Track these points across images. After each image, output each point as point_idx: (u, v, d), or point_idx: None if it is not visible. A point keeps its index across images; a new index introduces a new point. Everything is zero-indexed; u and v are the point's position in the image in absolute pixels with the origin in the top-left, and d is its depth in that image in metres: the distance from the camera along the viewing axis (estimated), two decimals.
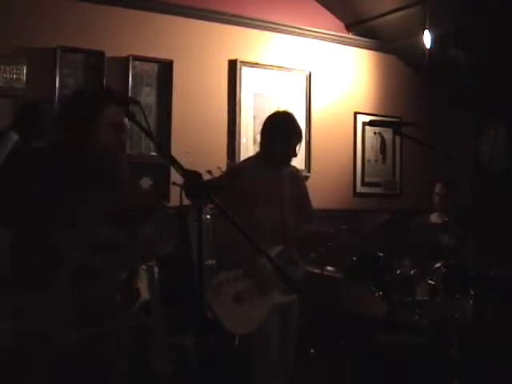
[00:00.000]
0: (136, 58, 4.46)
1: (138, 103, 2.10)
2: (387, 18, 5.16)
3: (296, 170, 3.45)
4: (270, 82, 5.04)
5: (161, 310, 2.19)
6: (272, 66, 5.05)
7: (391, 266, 3.70)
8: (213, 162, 4.32)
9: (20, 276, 1.91)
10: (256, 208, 3.13)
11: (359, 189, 5.54)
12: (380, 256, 3.74)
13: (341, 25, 5.50)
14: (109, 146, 2.10)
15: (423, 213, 4.76)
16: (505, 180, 5.23)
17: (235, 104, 4.85)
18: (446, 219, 4.45)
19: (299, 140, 3.24)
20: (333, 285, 3.90)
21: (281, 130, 3.20)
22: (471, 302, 3.53)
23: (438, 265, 3.68)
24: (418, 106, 5.78)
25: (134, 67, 4.45)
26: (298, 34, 5.20)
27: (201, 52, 4.74)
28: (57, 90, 4.13)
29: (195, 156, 4.25)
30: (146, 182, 4.20)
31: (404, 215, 4.56)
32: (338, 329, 3.74)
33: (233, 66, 4.87)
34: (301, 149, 3.31)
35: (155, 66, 4.56)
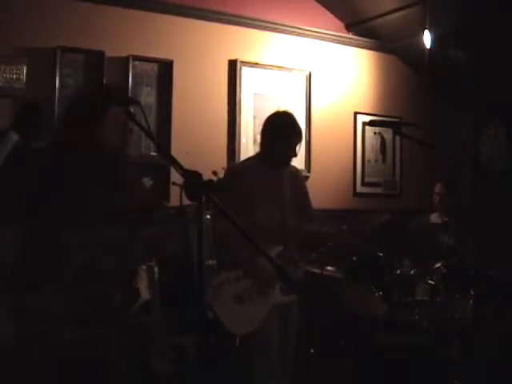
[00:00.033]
0: (136, 58, 4.46)
1: (138, 103, 2.10)
2: (387, 17, 5.16)
3: (296, 170, 3.45)
4: (269, 82, 5.04)
5: (161, 310, 2.19)
6: (272, 66, 5.05)
7: (391, 266, 3.70)
8: (213, 162, 4.32)
9: (22, 276, 1.91)
10: (256, 208, 3.13)
11: (359, 189, 5.54)
12: (380, 256, 3.74)
13: (341, 25, 5.51)
14: (114, 146, 2.10)
15: (423, 213, 4.76)
16: (505, 180, 5.23)
17: (235, 104, 4.85)
18: (446, 219, 4.45)
19: (299, 140, 3.24)
20: (333, 285, 3.90)
21: (281, 130, 3.20)
22: (471, 302, 3.52)
23: (438, 265, 3.68)
24: (418, 106, 5.78)
25: (133, 67, 4.45)
26: (298, 34, 5.20)
27: (201, 52, 4.74)
28: (57, 90, 4.13)
29: (195, 156, 4.25)
30: (146, 182, 4.20)
31: (404, 215, 4.56)
32: (338, 329, 3.74)
33: (233, 66, 4.88)
34: (301, 149, 3.31)
35: (155, 66, 4.57)
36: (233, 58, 4.88)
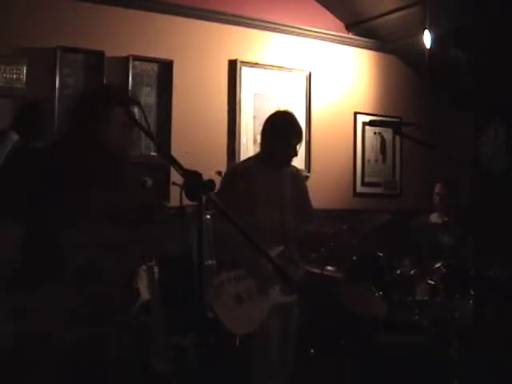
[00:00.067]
0: (136, 58, 4.45)
1: (138, 103, 2.11)
2: (387, 17, 5.16)
3: (296, 170, 3.45)
4: (270, 81, 5.04)
5: (161, 310, 2.18)
6: (272, 66, 5.05)
7: (391, 266, 3.70)
8: (213, 162, 4.32)
9: (22, 276, 1.91)
10: (256, 208, 3.13)
11: (359, 189, 5.54)
12: (380, 256, 3.73)
13: (341, 25, 5.50)
14: (116, 146, 2.10)
15: (423, 213, 4.76)
16: (505, 180, 5.23)
17: (235, 104, 4.85)
18: (446, 219, 4.45)
19: (300, 140, 3.24)
20: (333, 285, 3.90)
21: (281, 129, 3.20)
22: (471, 302, 3.52)
23: (438, 265, 3.68)
24: (418, 106, 5.78)
25: (134, 67, 4.45)
26: (298, 34, 5.20)
27: (201, 52, 4.74)
28: (57, 90, 4.13)
29: (195, 156, 4.25)
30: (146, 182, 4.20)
31: (404, 215, 4.56)
32: (338, 329, 3.74)
33: (233, 66, 4.87)
34: (301, 149, 3.31)
35: (155, 66, 4.56)
36: (233, 58, 4.88)
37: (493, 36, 4.72)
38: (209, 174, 1.74)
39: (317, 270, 3.85)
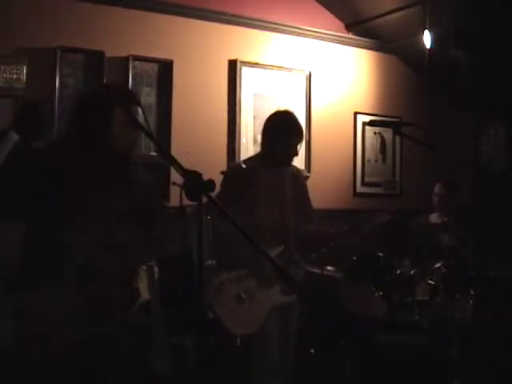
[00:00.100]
0: (136, 58, 4.45)
1: (138, 103, 2.11)
2: (387, 17, 5.16)
3: (297, 170, 3.45)
4: (270, 81, 5.04)
5: (161, 310, 2.18)
6: (272, 66, 5.05)
7: (391, 266, 3.70)
8: (213, 162, 4.33)
9: (22, 276, 1.91)
10: (257, 208, 3.13)
11: (359, 189, 5.54)
12: (380, 256, 3.73)
13: (341, 25, 5.50)
14: (119, 146, 2.10)
15: (423, 213, 4.76)
16: (505, 180, 5.23)
17: (235, 104, 4.85)
18: (446, 219, 4.45)
19: (300, 139, 3.23)
20: (333, 285, 3.90)
21: (282, 129, 3.20)
22: (471, 302, 3.52)
23: (438, 265, 3.68)
24: (418, 106, 5.78)
25: (134, 67, 4.44)
26: (298, 34, 5.20)
27: (201, 52, 4.74)
28: (57, 90, 4.13)
29: (195, 156, 4.25)
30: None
31: (404, 215, 4.56)
32: (338, 329, 3.74)
33: (233, 66, 4.87)
34: (301, 149, 3.31)
35: (155, 66, 4.56)
36: (233, 58, 4.88)
37: (493, 36, 4.72)
38: (208, 174, 1.73)
39: (317, 270, 3.85)
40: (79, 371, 1.94)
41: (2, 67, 3.95)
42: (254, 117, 4.92)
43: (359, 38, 5.54)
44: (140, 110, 2.09)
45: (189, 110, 4.65)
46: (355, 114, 5.52)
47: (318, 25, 5.30)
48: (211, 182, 1.67)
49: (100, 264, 2.00)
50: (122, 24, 4.42)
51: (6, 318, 1.88)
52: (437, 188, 4.68)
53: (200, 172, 1.70)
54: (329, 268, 4.03)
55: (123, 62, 4.40)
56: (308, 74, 5.22)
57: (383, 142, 5.69)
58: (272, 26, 5.05)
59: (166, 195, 4.29)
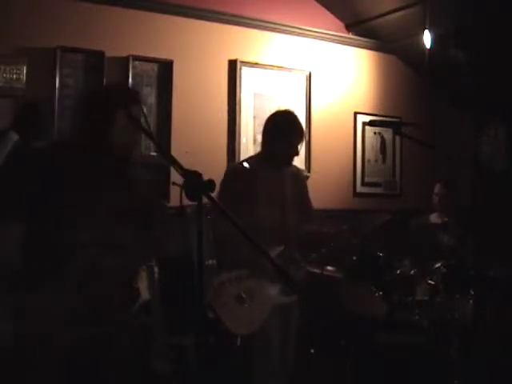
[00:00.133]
0: (136, 58, 4.45)
1: (138, 103, 2.11)
2: (387, 17, 5.16)
3: (297, 170, 3.45)
4: (270, 82, 5.04)
5: (161, 310, 2.18)
6: (272, 66, 5.05)
7: (391, 266, 3.70)
8: (213, 162, 4.32)
9: (22, 275, 1.91)
10: (257, 208, 3.12)
11: (359, 189, 5.54)
12: (380, 256, 3.73)
13: (341, 25, 5.50)
14: (119, 146, 2.10)
15: (423, 213, 4.76)
16: (505, 180, 5.23)
17: (235, 104, 4.85)
18: (446, 219, 4.45)
19: (301, 139, 3.23)
20: (333, 285, 3.90)
21: (282, 129, 3.20)
22: (471, 302, 3.52)
23: (438, 265, 3.68)
24: (418, 106, 5.78)
25: (134, 67, 4.44)
26: (298, 34, 5.20)
27: (201, 52, 4.74)
28: (57, 90, 4.13)
29: (195, 156, 4.25)
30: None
31: (404, 215, 4.56)
32: (338, 329, 3.74)
33: (233, 66, 4.87)
34: (301, 149, 3.31)
35: (155, 66, 4.56)
36: (233, 58, 4.88)
37: (493, 36, 4.72)
38: (208, 174, 1.73)
39: (317, 270, 3.85)
40: (79, 371, 1.94)
41: (2, 67, 3.95)
42: (254, 117, 4.92)
43: (359, 38, 5.54)
44: (142, 109, 2.09)
45: (189, 110, 4.65)
46: (355, 114, 5.52)
47: (317, 25, 5.30)
48: (211, 182, 1.67)
49: (100, 264, 2.00)
50: (121, 24, 4.42)
51: (5, 318, 1.88)
52: (437, 188, 4.68)
53: (200, 172, 1.70)
54: (329, 268, 4.03)
55: (123, 62, 4.40)
56: (308, 74, 5.22)
57: (383, 142, 5.69)
58: (272, 26, 5.05)
59: (166, 195, 4.29)
